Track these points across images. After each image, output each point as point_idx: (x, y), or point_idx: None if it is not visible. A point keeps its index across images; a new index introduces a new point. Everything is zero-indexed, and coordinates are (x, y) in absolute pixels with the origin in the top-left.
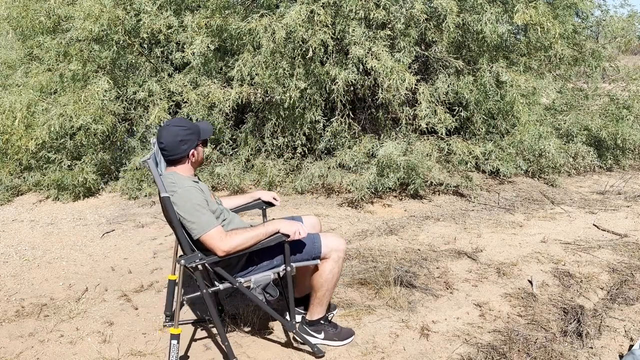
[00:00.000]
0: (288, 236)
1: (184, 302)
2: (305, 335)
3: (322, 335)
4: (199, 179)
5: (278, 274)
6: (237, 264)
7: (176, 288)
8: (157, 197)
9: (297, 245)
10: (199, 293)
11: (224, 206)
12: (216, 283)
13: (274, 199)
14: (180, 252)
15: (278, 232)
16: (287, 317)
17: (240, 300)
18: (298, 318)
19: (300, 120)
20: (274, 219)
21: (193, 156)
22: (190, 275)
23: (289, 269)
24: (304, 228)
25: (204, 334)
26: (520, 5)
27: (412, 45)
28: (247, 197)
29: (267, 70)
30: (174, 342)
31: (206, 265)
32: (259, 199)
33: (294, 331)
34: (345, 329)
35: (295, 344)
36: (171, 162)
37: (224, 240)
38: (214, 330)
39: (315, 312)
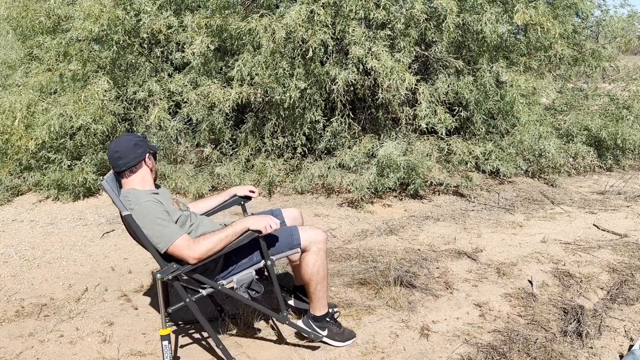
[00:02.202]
0: (260, 232)
1: (170, 313)
2: (302, 326)
3: (325, 332)
4: (158, 186)
5: (262, 269)
6: (215, 267)
7: (159, 295)
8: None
9: (273, 239)
10: (182, 303)
11: (192, 211)
12: (199, 289)
13: (251, 191)
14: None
15: (248, 230)
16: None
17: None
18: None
19: (300, 120)
20: (252, 214)
21: (149, 160)
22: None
23: (269, 263)
24: (274, 220)
25: (203, 334)
26: (520, 5)
27: (412, 45)
28: (223, 196)
29: (267, 70)
30: (165, 342)
31: (183, 274)
32: (235, 195)
33: (287, 323)
34: (348, 331)
35: (295, 344)
36: (129, 170)
37: (192, 247)
38: None
39: (317, 307)
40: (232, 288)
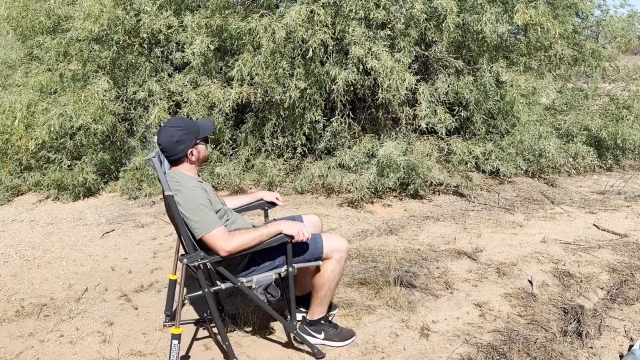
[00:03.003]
0: (292, 237)
1: (186, 301)
2: (305, 336)
3: (322, 336)
4: (202, 179)
5: (279, 274)
6: (239, 263)
7: (177, 287)
8: (157, 197)
9: (299, 246)
10: (200, 292)
11: (227, 206)
12: (218, 282)
13: (277, 199)
14: (181, 252)
15: (281, 233)
16: (288, 318)
17: (241, 300)
18: (299, 318)
19: (300, 120)
20: (274, 219)
21: (192, 155)
22: (191, 275)
23: (290, 269)
24: (308, 229)
25: (204, 333)
26: (520, 5)
27: (412, 45)
28: (249, 197)
29: (267, 70)
30: (175, 342)
31: (208, 264)
32: (262, 199)
33: (295, 332)
34: (346, 330)
35: (295, 344)
36: (172, 162)
37: (227, 240)
38: (214, 330)
39: (316, 312)
40: (250, 287)
